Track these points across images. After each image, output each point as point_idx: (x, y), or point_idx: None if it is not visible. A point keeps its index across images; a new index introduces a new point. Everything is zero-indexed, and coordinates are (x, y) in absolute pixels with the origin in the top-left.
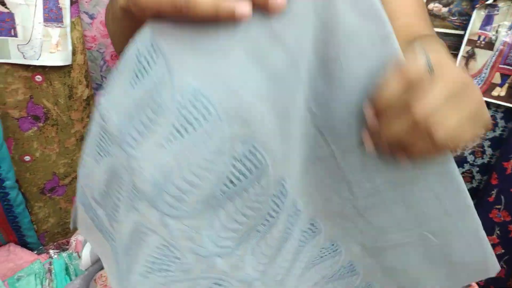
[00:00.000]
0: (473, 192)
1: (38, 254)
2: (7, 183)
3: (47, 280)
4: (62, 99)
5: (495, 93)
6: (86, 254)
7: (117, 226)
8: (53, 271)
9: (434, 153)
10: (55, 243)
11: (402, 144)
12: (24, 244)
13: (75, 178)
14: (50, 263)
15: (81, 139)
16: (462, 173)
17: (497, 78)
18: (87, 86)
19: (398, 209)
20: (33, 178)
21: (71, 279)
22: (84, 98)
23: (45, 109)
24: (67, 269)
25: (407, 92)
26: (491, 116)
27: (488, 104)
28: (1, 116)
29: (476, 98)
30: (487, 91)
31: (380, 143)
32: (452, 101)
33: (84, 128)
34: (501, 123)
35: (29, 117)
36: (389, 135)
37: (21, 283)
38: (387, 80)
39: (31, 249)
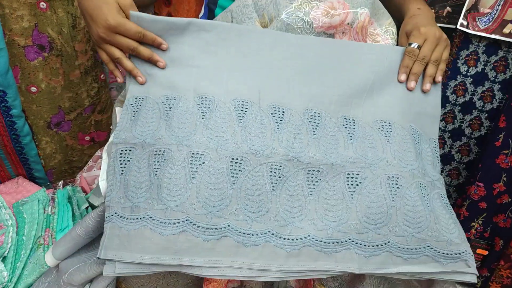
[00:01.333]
0: (471, 164)
1: (46, 189)
2: (14, 111)
3: (50, 207)
4: (66, 29)
5: (506, 30)
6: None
7: None
8: (56, 199)
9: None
10: (62, 182)
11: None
12: (33, 179)
13: (80, 113)
14: (54, 193)
15: (85, 72)
16: (460, 146)
17: (509, 15)
18: None
19: None
20: (39, 111)
21: (73, 210)
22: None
23: (50, 38)
24: (70, 199)
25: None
26: (503, 57)
27: (500, 44)
28: (7, 42)
29: (446, 41)
30: (498, 29)
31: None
32: (435, 48)
33: (88, 61)
34: None
35: (35, 46)
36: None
37: (25, 207)
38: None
39: (39, 185)
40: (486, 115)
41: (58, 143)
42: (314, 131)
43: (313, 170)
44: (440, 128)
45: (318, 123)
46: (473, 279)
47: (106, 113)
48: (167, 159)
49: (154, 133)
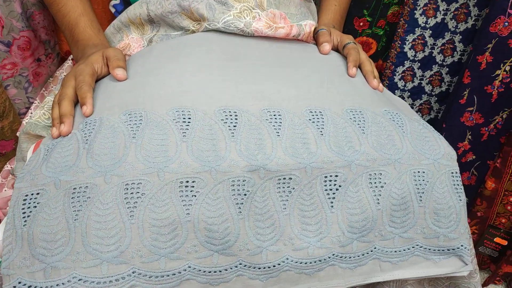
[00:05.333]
0: (432, 122)
1: None
2: None
3: None
4: None
5: None
6: None
7: None
8: None
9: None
10: None
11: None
12: None
13: None
14: None
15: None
16: (420, 105)
17: None
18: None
19: None
20: None
21: None
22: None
23: None
24: None
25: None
26: (463, 4)
27: None
28: None
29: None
30: None
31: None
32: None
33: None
34: (474, 11)
35: None
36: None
37: None
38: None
39: None
40: (447, 69)
41: None
42: (278, 132)
43: (284, 178)
44: (399, 88)
45: (281, 123)
46: (465, 273)
47: (7, 118)
48: (91, 197)
49: (70, 168)
